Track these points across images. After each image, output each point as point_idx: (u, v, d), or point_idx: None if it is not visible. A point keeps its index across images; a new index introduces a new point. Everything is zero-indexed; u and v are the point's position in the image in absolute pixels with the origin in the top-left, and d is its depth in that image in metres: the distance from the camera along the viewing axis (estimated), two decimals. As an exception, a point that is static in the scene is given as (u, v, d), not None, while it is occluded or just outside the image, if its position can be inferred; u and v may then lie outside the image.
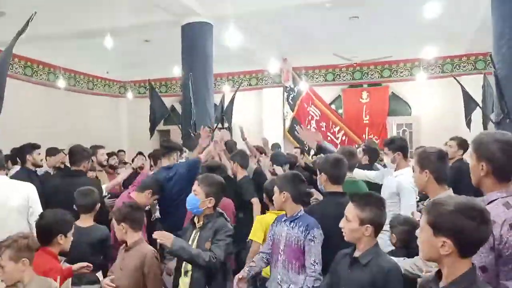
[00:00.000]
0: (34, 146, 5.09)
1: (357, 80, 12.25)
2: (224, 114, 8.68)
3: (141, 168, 5.87)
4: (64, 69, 11.46)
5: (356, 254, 2.34)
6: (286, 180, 2.99)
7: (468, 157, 2.25)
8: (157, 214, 4.39)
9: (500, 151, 1.95)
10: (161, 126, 10.62)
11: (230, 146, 6.09)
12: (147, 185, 3.89)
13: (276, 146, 7.79)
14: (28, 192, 3.21)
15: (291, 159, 5.96)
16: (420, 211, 2.72)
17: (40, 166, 5.08)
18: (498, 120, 5.71)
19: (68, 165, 6.59)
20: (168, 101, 10.64)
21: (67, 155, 4.65)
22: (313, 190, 4.56)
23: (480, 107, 6.99)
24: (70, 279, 2.89)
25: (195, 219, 2.99)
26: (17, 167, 5.27)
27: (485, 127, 6.98)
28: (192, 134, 7.52)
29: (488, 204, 1.93)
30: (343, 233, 2.39)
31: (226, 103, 8.81)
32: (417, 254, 2.37)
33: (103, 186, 4.63)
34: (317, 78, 12.54)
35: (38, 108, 10.47)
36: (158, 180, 4.06)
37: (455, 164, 4.86)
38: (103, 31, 8.10)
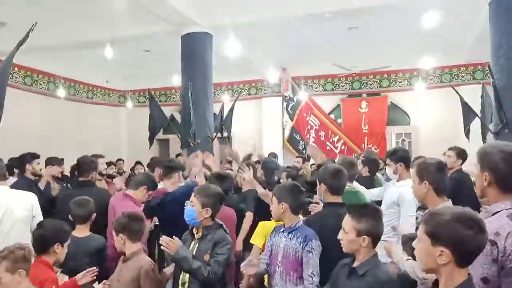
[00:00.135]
0: (33, 156, 5.09)
1: (356, 90, 12.29)
2: (224, 123, 8.70)
3: None
4: (64, 79, 11.48)
5: (355, 264, 2.34)
6: (285, 190, 2.97)
7: (471, 167, 2.27)
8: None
9: (503, 161, 1.96)
10: (160, 135, 10.64)
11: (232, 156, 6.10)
12: (141, 181, 3.93)
13: (272, 155, 7.80)
14: (31, 202, 3.22)
15: (292, 172, 5.96)
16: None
17: (40, 176, 5.07)
18: (497, 130, 5.72)
19: (67, 174, 6.65)
20: (167, 111, 10.67)
21: (75, 166, 4.67)
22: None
23: (478, 117, 7.01)
24: None
25: (194, 230, 2.97)
26: (13, 178, 5.26)
27: (484, 137, 6.99)
28: (191, 143, 7.53)
29: (492, 215, 1.94)
30: (342, 245, 2.38)
31: (225, 112, 8.83)
32: None
33: None
34: (316, 88, 12.59)
35: (38, 117, 10.48)
36: (150, 175, 4.12)
37: (454, 175, 4.86)
38: (103, 41, 8.14)
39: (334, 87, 12.45)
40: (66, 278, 2.98)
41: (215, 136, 8.38)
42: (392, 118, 11.97)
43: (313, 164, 8.18)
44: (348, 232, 2.33)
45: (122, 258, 3.02)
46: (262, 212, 4.13)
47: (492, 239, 1.80)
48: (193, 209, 2.91)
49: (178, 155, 7.72)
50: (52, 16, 7.19)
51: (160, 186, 4.32)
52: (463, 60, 10.76)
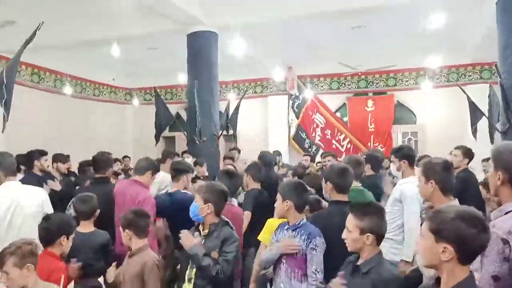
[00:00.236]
0: (41, 153, 5.16)
1: (362, 89, 12.25)
2: (229, 122, 8.72)
3: None
4: (70, 76, 11.55)
5: (359, 262, 2.34)
6: (290, 188, 2.97)
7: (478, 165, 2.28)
8: None
9: None
10: (166, 133, 10.66)
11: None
12: (146, 166, 4.03)
13: (276, 153, 7.80)
14: (42, 198, 3.25)
15: (298, 170, 5.94)
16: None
17: (47, 172, 5.12)
18: (504, 129, 5.70)
19: (74, 171, 6.70)
20: (173, 108, 10.70)
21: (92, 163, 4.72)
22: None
23: (486, 116, 6.98)
24: (72, 284, 2.90)
25: (200, 227, 2.99)
26: (19, 175, 5.30)
27: (491, 137, 6.96)
28: (197, 141, 7.56)
29: (505, 214, 1.96)
30: (347, 244, 2.38)
31: (231, 111, 8.84)
32: None
33: None
34: (322, 86, 12.56)
35: (44, 114, 10.55)
36: (152, 160, 4.18)
37: (460, 174, 4.84)
38: (109, 39, 8.19)
39: (340, 85, 12.42)
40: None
41: (221, 134, 8.40)
42: (398, 117, 11.92)
43: (318, 162, 8.18)
44: (351, 231, 2.33)
45: (128, 253, 3.05)
46: (261, 212, 4.15)
47: (504, 237, 1.83)
48: (196, 205, 2.95)
49: (184, 152, 7.74)
50: (59, 15, 7.23)
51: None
52: (470, 59, 10.70)
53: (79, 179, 4.95)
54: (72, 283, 2.87)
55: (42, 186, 3.45)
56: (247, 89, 12.31)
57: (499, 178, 2.03)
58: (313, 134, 11.90)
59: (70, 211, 3.96)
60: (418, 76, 11.61)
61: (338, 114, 12.26)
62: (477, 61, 10.77)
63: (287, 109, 12.35)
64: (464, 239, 1.57)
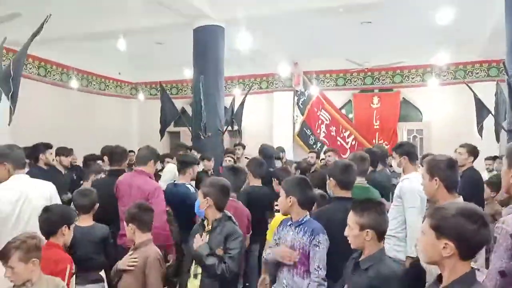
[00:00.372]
0: (47, 146, 5.18)
1: (368, 85, 12.20)
2: (234, 117, 8.71)
3: None
4: (77, 70, 11.59)
5: (360, 258, 2.35)
6: (293, 184, 2.97)
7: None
8: None
9: None
10: (171, 128, 10.67)
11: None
12: (148, 156, 4.06)
13: (279, 149, 7.80)
14: (50, 191, 3.25)
15: (301, 164, 5.94)
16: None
17: (52, 166, 5.14)
18: (510, 128, 5.67)
19: (79, 164, 6.73)
20: (178, 103, 10.69)
21: (107, 155, 4.77)
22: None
23: (492, 114, 6.93)
24: (74, 278, 2.92)
25: (205, 222, 3.00)
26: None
27: (497, 135, 6.92)
28: (202, 136, 7.56)
29: None
30: (350, 241, 2.38)
31: (236, 106, 8.84)
32: None
33: None
34: (328, 83, 12.52)
35: (51, 107, 10.60)
36: (153, 149, 4.20)
37: (466, 173, 4.82)
38: (116, 33, 8.20)
39: (346, 82, 12.38)
40: None
41: (226, 129, 8.41)
42: (404, 114, 11.86)
43: (322, 159, 8.17)
44: (352, 227, 2.33)
45: (131, 246, 3.07)
46: (258, 208, 4.15)
47: None
48: (198, 199, 2.98)
49: (191, 148, 7.70)
50: (66, 8, 7.25)
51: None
52: (478, 56, 10.62)
53: (82, 173, 4.97)
54: (74, 277, 2.88)
55: (47, 179, 3.44)
56: (253, 85, 12.29)
57: None
58: (318, 131, 11.88)
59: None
60: (424, 73, 11.54)
61: (343, 111, 12.22)
62: (484, 58, 10.69)
63: (292, 105, 12.32)
64: (465, 235, 1.59)
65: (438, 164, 2.52)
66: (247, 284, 4.38)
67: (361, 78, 12.16)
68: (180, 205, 4.26)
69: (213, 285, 2.82)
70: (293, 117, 12.25)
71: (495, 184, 5.18)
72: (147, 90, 14.13)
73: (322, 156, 8.65)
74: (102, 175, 5.18)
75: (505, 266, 1.85)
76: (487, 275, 1.96)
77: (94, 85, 12.69)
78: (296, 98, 12.12)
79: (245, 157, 6.35)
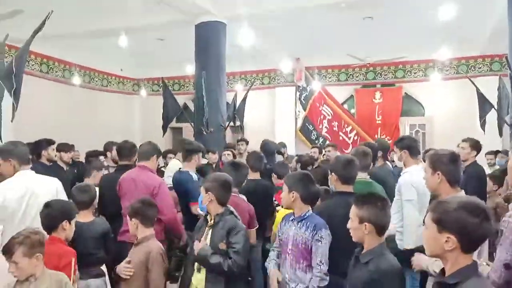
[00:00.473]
0: (49, 142, 5.18)
1: (370, 80, 12.17)
2: (236, 113, 8.73)
3: None
4: (79, 67, 11.60)
5: (362, 252, 2.35)
6: (296, 179, 2.98)
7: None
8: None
9: None
10: (173, 124, 10.71)
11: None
12: (151, 151, 4.05)
13: (281, 145, 7.81)
14: (56, 187, 3.26)
15: (302, 157, 5.92)
16: None
17: (55, 162, 5.15)
18: (513, 122, 5.66)
19: (81, 160, 6.75)
20: (181, 99, 10.71)
21: (116, 151, 4.79)
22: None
23: (495, 109, 6.93)
24: (78, 273, 2.94)
25: (208, 217, 3.02)
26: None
27: (500, 129, 6.92)
28: (204, 132, 7.57)
29: None
30: (351, 234, 2.39)
31: (238, 102, 8.84)
32: None
33: None
34: (330, 78, 12.50)
35: (53, 104, 10.61)
36: (155, 144, 4.22)
37: (469, 168, 4.81)
38: (117, 29, 8.19)
39: (348, 77, 12.35)
40: None
41: (228, 125, 8.42)
42: (406, 109, 11.84)
43: (324, 154, 8.16)
44: (353, 220, 2.35)
45: (135, 241, 3.09)
46: (255, 202, 4.11)
47: None
48: (201, 195, 3.00)
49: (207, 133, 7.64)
50: (67, 5, 7.24)
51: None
52: (480, 51, 10.58)
53: (84, 169, 4.95)
54: (77, 271, 2.90)
55: (49, 176, 3.45)
56: (255, 80, 12.28)
57: None
58: (320, 126, 11.87)
59: None
60: (427, 68, 11.51)
61: (345, 106, 12.20)
62: (487, 53, 10.65)
63: (294, 101, 12.31)
64: (467, 228, 1.59)
65: (440, 159, 2.52)
66: (249, 278, 4.40)
67: (363, 73, 12.13)
68: (179, 190, 4.38)
69: (217, 279, 2.83)
70: (295, 112, 12.23)
71: (497, 177, 5.18)
72: (149, 86, 14.14)
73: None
74: (105, 171, 5.20)
75: (510, 259, 1.87)
76: (491, 267, 1.97)
77: (96, 81, 12.70)
78: (298, 93, 12.10)
79: (248, 152, 6.34)
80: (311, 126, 11.90)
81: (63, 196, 3.26)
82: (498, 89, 7.03)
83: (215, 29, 7.86)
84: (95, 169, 4.61)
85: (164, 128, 8.66)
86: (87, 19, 8.25)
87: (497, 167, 6.94)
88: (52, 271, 2.55)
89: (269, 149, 5.62)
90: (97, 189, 4.55)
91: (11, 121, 4.81)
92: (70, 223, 2.89)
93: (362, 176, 3.58)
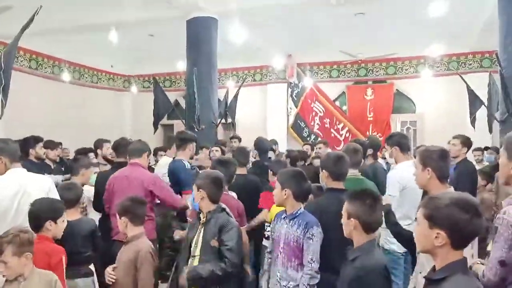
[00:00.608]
0: (37, 140, 5.10)
1: (362, 77, 12.21)
2: (228, 110, 8.70)
3: None
4: (68, 63, 11.50)
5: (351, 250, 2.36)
6: (289, 176, 2.97)
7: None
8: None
9: None
10: (165, 121, 10.65)
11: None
12: (142, 149, 4.07)
13: (273, 142, 7.81)
14: (48, 185, 3.22)
15: (292, 153, 5.90)
16: None
17: (43, 159, 5.08)
18: (502, 118, 5.70)
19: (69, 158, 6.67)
20: (172, 96, 10.65)
21: (111, 148, 4.77)
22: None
23: (485, 105, 6.97)
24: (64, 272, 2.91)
25: (201, 215, 3.01)
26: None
27: (490, 126, 6.96)
28: (195, 129, 7.54)
29: None
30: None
31: (230, 98, 8.82)
32: None
33: None
34: (321, 75, 12.51)
35: (42, 101, 10.51)
36: (145, 142, 4.24)
37: (460, 164, 4.85)
38: (108, 25, 8.12)
39: (340, 74, 12.38)
40: None
41: (220, 122, 8.39)
42: (397, 105, 11.89)
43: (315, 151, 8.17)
44: (344, 215, 2.35)
45: (124, 240, 3.07)
46: (242, 197, 4.13)
47: None
48: (193, 192, 2.99)
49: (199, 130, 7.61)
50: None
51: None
52: (471, 48, 10.64)
53: (71, 167, 4.83)
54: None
55: (40, 173, 3.41)
56: (246, 77, 12.25)
57: None
58: (312, 123, 11.88)
59: None
60: (418, 64, 11.56)
61: (337, 103, 12.22)
62: (477, 49, 10.72)
63: (286, 98, 12.31)
64: (457, 224, 1.59)
65: (430, 155, 2.53)
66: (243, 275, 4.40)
67: (354, 70, 12.16)
68: (172, 180, 4.37)
69: (209, 264, 2.82)
70: (287, 109, 12.23)
71: (487, 173, 5.24)
72: (140, 82, 14.05)
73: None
74: (96, 169, 5.14)
75: (505, 256, 1.88)
76: (487, 264, 1.98)
77: (86, 78, 12.60)
78: (290, 90, 12.10)
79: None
80: (303, 123, 11.91)
81: (55, 194, 3.21)
82: (488, 86, 7.07)
83: (207, 25, 7.82)
84: (83, 167, 4.51)
85: (155, 125, 8.62)
86: (76, 14, 8.15)
87: (486, 163, 7.00)
88: (41, 270, 2.52)
89: (263, 146, 5.62)
90: (89, 187, 4.54)
91: (0, 118, 4.75)
92: (56, 222, 2.84)
93: (353, 172, 3.59)
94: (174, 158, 4.63)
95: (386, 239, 3.72)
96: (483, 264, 2.16)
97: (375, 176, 4.38)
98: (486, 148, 7.48)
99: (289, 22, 8.77)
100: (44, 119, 9.84)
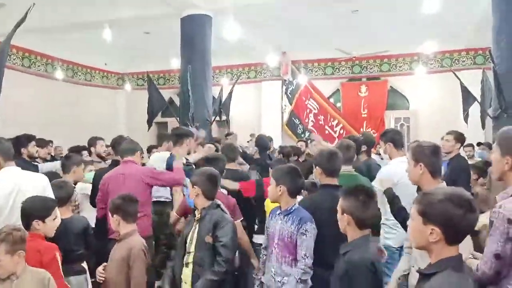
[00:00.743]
0: (29, 139, 5.04)
1: (356, 74, 12.24)
2: (222, 107, 8.69)
3: None
4: (62, 61, 11.43)
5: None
6: (283, 173, 2.97)
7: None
8: None
9: None
10: (159, 118, 10.62)
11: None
12: (135, 148, 4.09)
13: (268, 139, 7.81)
14: (43, 184, 3.19)
15: (285, 148, 5.91)
16: None
17: (36, 158, 5.03)
18: (495, 114, 5.73)
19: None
20: (166, 94, 10.62)
21: (110, 146, 4.76)
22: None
23: (478, 102, 7.01)
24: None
25: (196, 212, 3.01)
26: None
27: (483, 122, 7.01)
28: (190, 126, 7.53)
29: (510, 196, 2.01)
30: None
31: (224, 96, 8.81)
32: None
33: None
34: (316, 72, 12.53)
35: (35, 99, 10.45)
36: (136, 142, 4.26)
37: (454, 160, 4.87)
38: (102, 22, 8.08)
39: (334, 71, 12.40)
40: None
41: (214, 120, 8.38)
42: (391, 102, 11.95)
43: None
44: (339, 210, 2.35)
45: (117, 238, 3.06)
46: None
47: (510, 218, 1.88)
48: (188, 188, 2.99)
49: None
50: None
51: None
52: (464, 45, 10.71)
53: (62, 165, 4.78)
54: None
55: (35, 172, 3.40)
56: (241, 74, 12.24)
57: (507, 163, 2.08)
58: (306, 120, 11.90)
59: None
60: (412, 61, 11.61)
61: (331, 100, 12.25)
62: (471, 46, 10.78)
63: (281, 95, 12.32)
64: (451, 220, 1.58)
65: (423, 151, 2.54)
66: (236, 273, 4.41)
67: (349, 67, 12.19)
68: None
69: (205, 273, 2.82)
70: (282, 106, 12.25)
71: (480, 168, 5.27)
72: (134, 80, 14.00)
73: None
74: (90, 167, 5.11)
75: (500, 249, 1.89)
76: (482, 258, 2.00)
77: (79, 75, 12.54)
78: (284, 87, 12.11)
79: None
80: (297, 120, 11.92)
81: (50, 192, 3.18)
82: (481, 82, 7.11)
83: (201, 22, 7.80)
84: (74, 164, 4.43)
85: (149, 123, 8.58)
86: (70, 12, 8.12)
87: (478, 159, 7.05)
88: (33, 269, 2.50)
89: (264, 143, 5.63)
90: (85, 184, 4.51)
91: (-8, 116, 4.72)
92: (44, 221, 2.81)
93: (346, 169, 3.60)
94: (171, 154, 4.62)
95: (382, 235, 3.73)
96: (476, 258, 2.18)
97: (370, 172, 4.39)
98: (479, 144, 7.53)
99: (284, 20, 8.77)
100: (37, 117, 9.79)
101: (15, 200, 3.00)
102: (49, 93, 10.88)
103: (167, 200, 4.77)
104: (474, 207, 1.61)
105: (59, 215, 2.95)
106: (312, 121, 11.84)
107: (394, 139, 3.95)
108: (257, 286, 3.12)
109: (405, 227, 2.77)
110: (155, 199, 4.47)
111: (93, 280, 3.20)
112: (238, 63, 12.69)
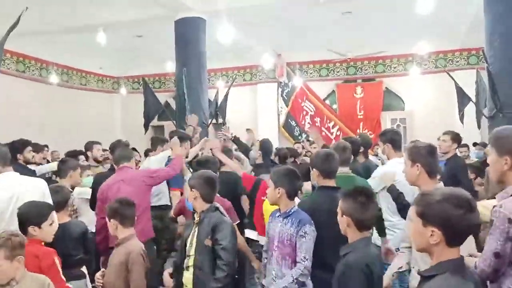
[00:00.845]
0: (24, 144, 5.00)
1: (351, 75, 12.27)
2: (218, 110, 8.67)
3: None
4: (56, 65, 11.38)
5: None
6: (282, 175, 2.96)
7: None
8: None
9: None
10: (155, 122, 10.61)
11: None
12: (130, 155, 4.17)
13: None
14: (43, 189, 3.18)
15: (281, 151, 5.90)
16: None
17: (32, 163, 5.00)
18: (491, 114, 5.75)
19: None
20: (162, 97, 10.61)
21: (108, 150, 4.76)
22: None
23: (473, 102, 7.03)
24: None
25: (195, 215, 3.00)
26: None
27: (478, 122, 7.02)
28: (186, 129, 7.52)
29: (510, 196, 2.00)
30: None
31: (220, 99, 8.80)
32: None
33: None
34: (311, 73, 12.55)
35: (30, 104, 10.39)
36: (130, 149, 4.40)
37: (451, 160, 4.88)
38: (96, 26, 8.06)
39: (329, 72, 12.42)
40: None
41: (210, 123, 8.37)
42: (387, 103, 11.98)
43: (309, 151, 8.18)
44: (339, 212, 2.35)
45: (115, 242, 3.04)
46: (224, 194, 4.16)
47: (510, 217, 1.88)
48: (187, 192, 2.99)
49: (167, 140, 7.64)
50: (43, 1, 7.09)
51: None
52: (458, 45, 10.76)
53: (58, 170, 4.74)
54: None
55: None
56: (236, 77, 12.24)
57: (506, 163, 2.06)
58: (303, 122, 11.92)
59: None
60: (406, 62, 11.65)
61: (327, 101, 12.27)
62: (464, 46, 10.84)
63: (277, 97, 12.33)
64: (450, 220, 1.56)
65: (419, 151, 2.55)
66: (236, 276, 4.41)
67: (344, 69, 12.21)
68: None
69: (205, 276, 2.81)
70: (278, 108, 12.26)
71: (477, 168, 5.29)
72: (130, 84, 13.97)
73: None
74: (88, 171, 5.09)
75: (500, 248, 1.89)
76: (481, 256, 2.00)
77: (74, 80, 12.49)
78: (280, 89, 12.13)
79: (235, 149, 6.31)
80: (294, 122, 11.94)
81: (49, 197, 3.17)
82: (475, 83, 7.12)
83: (195, 25, 7.80)
84: (71, 169, 4.41)
85: (146, 127, 8.55)
86: (64, 15, 8.08)
87: (473, 159, 7.08)
88: (33, 274, 2.49)
89: (268, 147, 5.61)
90: (83, 189, 4.50)
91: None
92: (40, 227, 2.79)
93: (343, 170, 3.59)
94: (169, 156, 4.62)
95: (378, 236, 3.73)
96: (476, 257, 2.18)
97: (368, 174, 4.39)
98: (475, 144, 7.55)
99: (278, 22, 8.79)
100: (32, 122, 9.74)
101: (15, 205, 2.98)
102: (45, 97, 10.82)
103: (168, 204, 4.77)
104: (474, 207, 1.58)
105: (56, 220, 2.93)
106: (308, 123, 11.85)
107: (393, 139, 3.95)
108: None
109: None
110: (155, 205, 4.48)
111: (93, 285, 3.18)
112: (234, 65, 12.69)
